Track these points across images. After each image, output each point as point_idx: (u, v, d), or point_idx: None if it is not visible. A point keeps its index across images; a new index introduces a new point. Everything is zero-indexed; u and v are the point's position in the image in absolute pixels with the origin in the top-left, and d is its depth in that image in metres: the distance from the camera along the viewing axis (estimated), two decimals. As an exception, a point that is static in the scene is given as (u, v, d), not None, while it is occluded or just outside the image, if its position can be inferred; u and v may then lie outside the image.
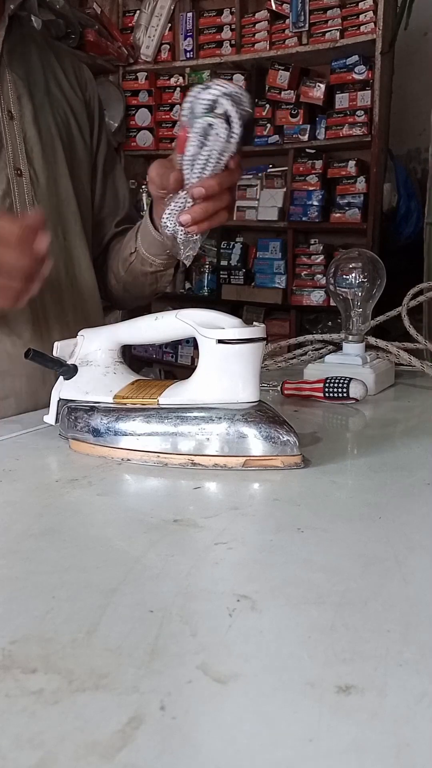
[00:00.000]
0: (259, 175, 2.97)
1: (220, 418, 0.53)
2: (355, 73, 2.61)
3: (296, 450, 0.53)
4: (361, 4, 2.54)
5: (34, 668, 0.28)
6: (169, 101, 3.12)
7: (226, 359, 0.55)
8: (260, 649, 0.30)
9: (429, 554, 0.39)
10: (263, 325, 0.56)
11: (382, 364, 0.86)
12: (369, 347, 0.87)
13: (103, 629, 0.31)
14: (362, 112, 2.60)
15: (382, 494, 0.49)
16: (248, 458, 0.53)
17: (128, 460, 0.55)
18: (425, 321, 2.13)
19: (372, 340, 0.87)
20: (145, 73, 3.09)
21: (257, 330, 0.55)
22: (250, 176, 3.00)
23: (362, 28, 2.54)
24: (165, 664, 0.29)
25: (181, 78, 3.09)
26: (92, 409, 0.58)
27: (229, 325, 0.55)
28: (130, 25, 3.08)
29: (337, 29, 2.59)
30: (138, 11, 3.04)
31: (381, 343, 0.87)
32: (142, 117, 3.17)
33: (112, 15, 3.09)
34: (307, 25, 2.64)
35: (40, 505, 0.47)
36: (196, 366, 0.57)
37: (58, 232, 0.85)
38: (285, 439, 0.53)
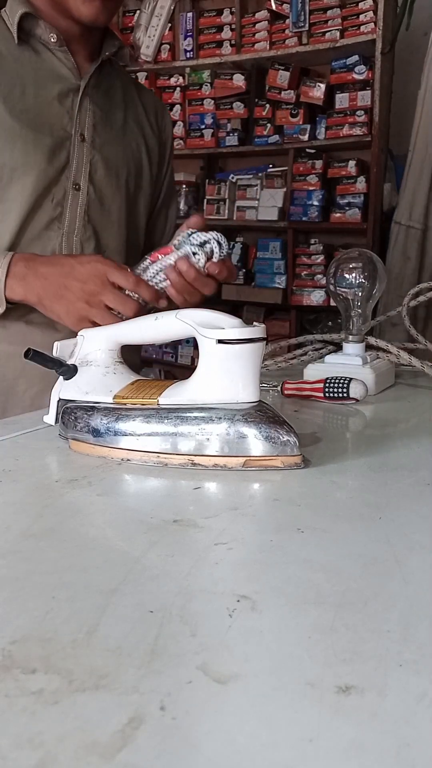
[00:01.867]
0: (259, 175, 2.97)
1: (220, 418, 0.53)
2: (355, 73, 2.61)
3: (296, 450, 0.53)
4: (361, 4, 2.54)
5: (34, 668, 0.28)
6: (169, 101, 3.12)
7: (226, 359, 0.55)
8: (260, 649, 0.30)
9: (429, 554, 0.39)
10: (263, 325, 0.56)
11: (382, 364, 0.86)
12: (369, 347, 0.87)
13: (103, 629, 0.31)
14: (362, 112, 2.60)
15: (382, 494, 0.49)
16: (248, 458, 0.53)
17: (128, 460, 0.55)
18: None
19: (372, 340, 0.87)
20: (145, 73, 3.09)
21: (257, 330, 0.55)
22: (251, 176, 3.01)
23: (362, 28, 2.54)
24: (165, 664, 0.29)
25: (181, 78, 3.09)
26: (92, 409, 0.58)
27: (229, 325, 0.55)
28: (130, 25, 3.08)
29: (337, 29, 2.59)
30: (138, 11, 3.05)
31: (381, 343, 0.87)
32: (142, 117, 3.17)
33: (112, 15, 3.09)
34: (307, 25, 2.64)
35: (40, 505, 0.47)
36: (196, 366, 0.57)
37: (101, 247, 0.94)
38: (285, 439, 0.53)
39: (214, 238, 0.73)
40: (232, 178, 3.03)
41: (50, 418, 0.63)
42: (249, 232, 3.07)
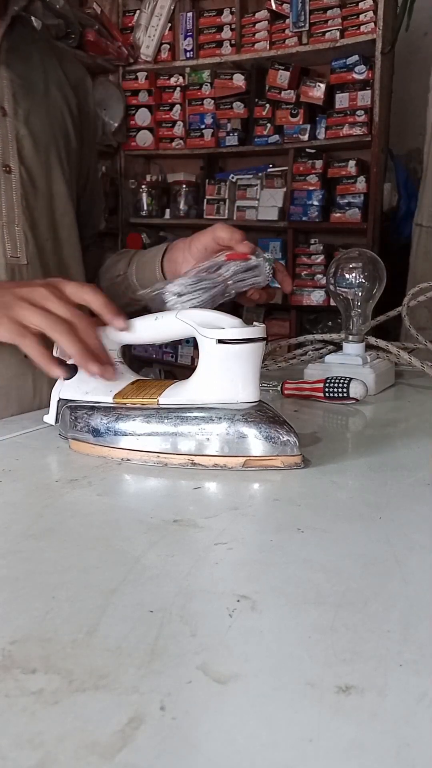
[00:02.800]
0: (259, 175, 2.97)
1: (220, 418, 0.53)
2: (355, 73, 2.61)
3: (296, 450, 0.53)
4: (361, 4, 2.54)
5: (34, 668, 0.28)
6: (169, 101, 3.12)
7: (226, 359, 0.55)
8: (260, 649, 0.30)
9: (429, 554, 0.39)
10: (263, 325, 0.56)
11: (383, 364, 0.86)
12: (369, 347, 0.87)
13: (103, 629, 0.31)
14: (362, 112, 2.60)
15: (382, 494, 0.49)
16: (248, 458, 0.53)
17: (128, 460, 0.55)
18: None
19: (372, 340, 0.87)
20: (145, 73, 3.10)
21: (257, 330, 0.55)
22: (251, 176, 3.01)
23: (362, 28, 2.54)
24: (165, 664, 0.29)
25: (181, 78, 3.09)
26: (92, 409, 0.58)
27: (229, 325, 0.55)
28: (130, 25, 3.08)
29: (337, 29, 2.59)
30: (138, 11, 3.05)
31: (381, 343, 0.87)
32: (142, 117, 3.18)
33: (112, 15, 3.09)
34: (307, 25, 2.64)
35: (40, 505, 0.47)
36: (196, 366, 0.57)
37: (50, 232, 0.84)
38: (285, 439, 0.53)
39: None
40: (232, 178, 3.03)
41: (50, 418, 0.63)
42: (249, 232, 3.02)
